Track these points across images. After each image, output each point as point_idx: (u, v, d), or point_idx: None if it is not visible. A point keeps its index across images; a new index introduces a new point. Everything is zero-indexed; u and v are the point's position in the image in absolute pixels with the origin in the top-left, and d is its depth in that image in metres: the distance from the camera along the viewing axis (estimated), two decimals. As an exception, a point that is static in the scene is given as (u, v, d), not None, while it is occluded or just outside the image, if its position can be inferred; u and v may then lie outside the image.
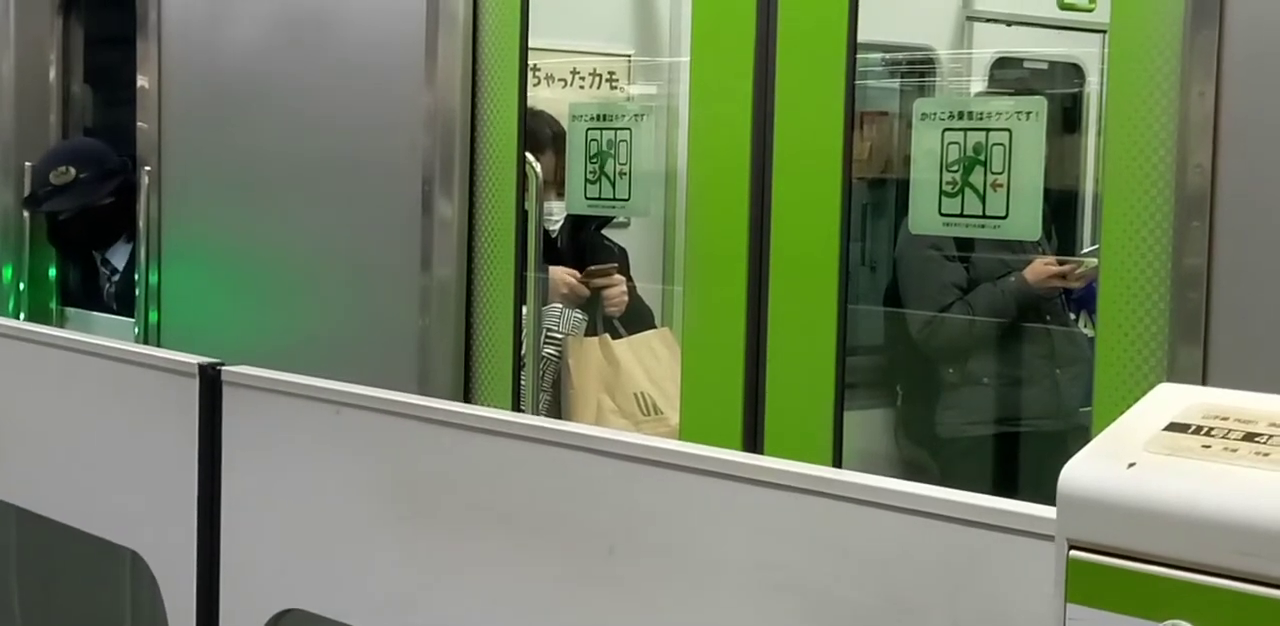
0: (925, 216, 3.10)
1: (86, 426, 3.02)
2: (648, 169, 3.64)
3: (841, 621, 1.80)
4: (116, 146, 5.47)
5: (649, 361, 4.61)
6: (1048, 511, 1.53)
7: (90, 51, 5.67)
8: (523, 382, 3.96)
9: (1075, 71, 6.36)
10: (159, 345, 4.88)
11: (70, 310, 5.58)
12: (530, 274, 3.88)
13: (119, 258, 5.43)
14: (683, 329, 3.44)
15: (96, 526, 3.02)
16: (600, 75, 5.27)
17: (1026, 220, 2.98)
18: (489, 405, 3.85)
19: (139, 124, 5.04)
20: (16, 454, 3.21)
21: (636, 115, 3.64)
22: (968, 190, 2.97)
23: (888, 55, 5.60)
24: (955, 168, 2.98)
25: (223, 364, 2.66)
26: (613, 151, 3.66)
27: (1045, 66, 6.36)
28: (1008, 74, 6.07)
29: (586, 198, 3.78)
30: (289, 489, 2.54)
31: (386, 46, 4.11)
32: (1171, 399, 1.53)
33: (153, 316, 4.95)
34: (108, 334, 4.96)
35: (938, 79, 5.99)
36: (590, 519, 2.09)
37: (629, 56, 5.38)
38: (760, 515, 1.89)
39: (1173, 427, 1.48)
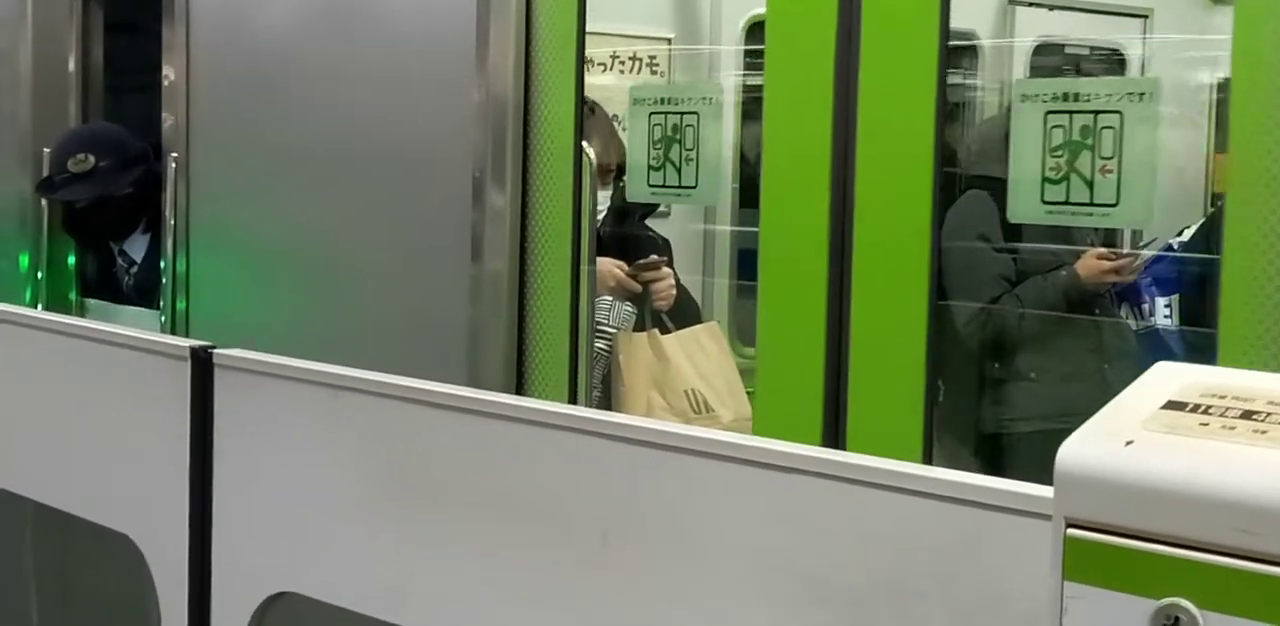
0: (1026, 205, 2.94)
1: (77, 410, 2.98)
2: (716, 155, 3.47)
3: (839, 602, 1.80)
4: (136, 133, 5.30)
5: (698, 356, 4.46)
6: (1045, 490, 1.52)
7: (111, 35, 5.50)
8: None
9: (1116, 56, 6.24)
10: (186, 334, 4.72)
11: (90, 302, 5.41)
12: (583, 266, 3.73)
13: (137, 249, 5.26)
14: (760, 326, 3.28)
15: (87, 510, 2.99)
16: (640, 60, 5.12)
17: (1139, 207, 2.82)
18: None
19: (164, 111, 4.87)
20: (5, 438, 3.16)
21: (704, 99, 3.47)
22: (1074, 176, 2.81)
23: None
24: (1060, 153, 2.82)
25: (215, 346, 2.63)
26: (678, 137, 3.50)
27: (1087, 52, 6.22)
28: (1049, 60, 5.93)
29: (650, 185, 3.61)
30: (282, 472, 2.53)
31: (433, 31, 3.95)
32: (1169, 377, 1.52)
33: (180, 308, 4.78)
34: (132, 325, 4.79)
35: (979, 66, 5.85)
36: (587, 502, 2.08)
37: (669, 40, 5.22)
38: (756, 497, 1.88)
39: (1170, 406, 1.46)
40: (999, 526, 1.66)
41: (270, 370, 2.55)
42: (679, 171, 3.51)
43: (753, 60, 5.27)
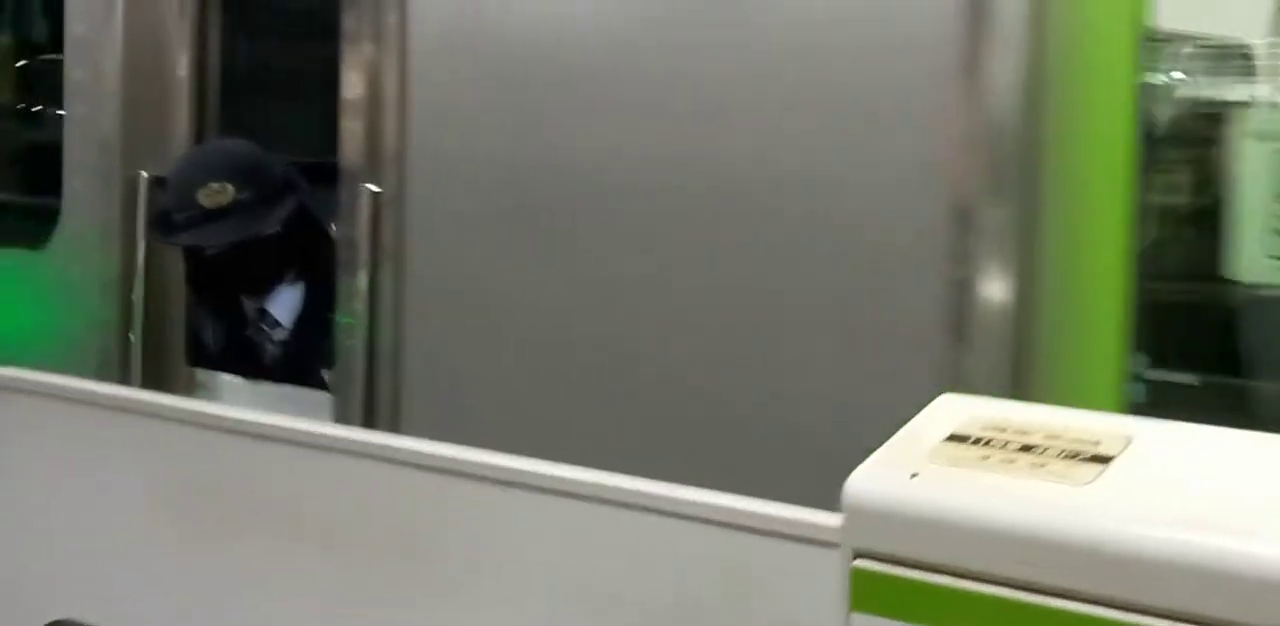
0: None
1: None
2: None
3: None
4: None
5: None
6: (835, 520, 1.55)
7: (238, 19, 4.23)
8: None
9: None
10: (394, 430, 3.50)
11: (208, 375, 4.11)
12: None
13: (282, 306, 3.99)
14: None
15: None
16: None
17: None
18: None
19: (346, 122, 3.65)
20: None
21: None
22: None
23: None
24: None
25: None
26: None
27: None
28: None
29: (1272, 257, 2.50)
30: (60, 496, 2.47)
31: (875, 23, 2.80)
32: (954, 409, 1.61)
33: (383, 391, 3.56)
34: (286, 411, 3.60)
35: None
36: (384, 528, 2.06)
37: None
38: (557, 524, 1.92)
39: (954, 439, 1.54)
40: (791, 554, 1.70)
41: (48, 390, 2.51)
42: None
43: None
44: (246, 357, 4.02)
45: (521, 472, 1.98)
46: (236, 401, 3.96)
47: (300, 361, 3.91)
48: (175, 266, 4.15)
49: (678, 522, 1.82)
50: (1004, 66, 2.66)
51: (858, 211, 2.79)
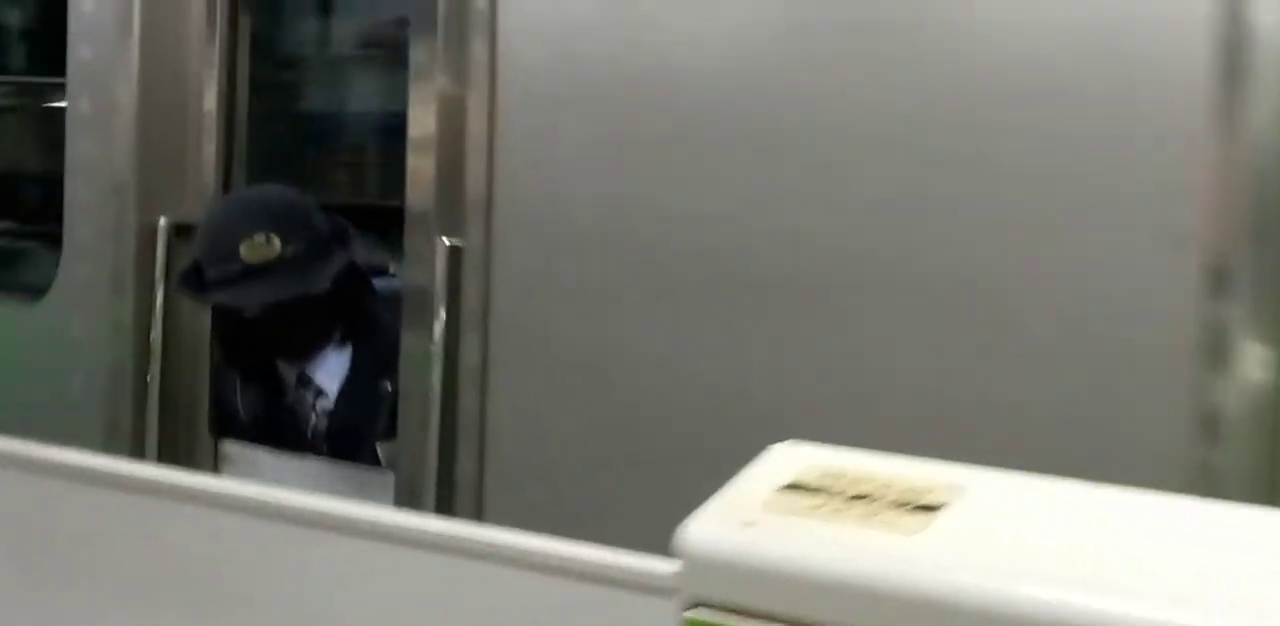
0: None
1: None
2: None
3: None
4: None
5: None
6: (671, 567, 1.53)
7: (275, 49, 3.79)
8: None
9: None
10: (478, 518, 3.09)
11: (240, 449, 3.64)
12: None
13: (328, 372, 3.53)
14: None
15: None
16: None
17: None
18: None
19: (414, 166, 3.23)
20: None
21: None
22: None
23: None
24: None
25: None
26: None
27: None
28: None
29: None
30: None
31: (1098, 57, 2.43)
32: (792, 457, 1.56)
33: (463, 471, 3.14)
34: (336, 491, 3.21)
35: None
36: (217, 578, 2.02)
37: None
38: (389, 573, 1.87)
39: (790, 487, 1.51)
40: (628, 602, 1.68)
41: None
42: None
43: None
44: (284, 429, 3.55)
45: (361, 522, 1.91)
46: (274, 478, 3.50)
47: (349, 434, 3.46)
48: (193, 319, 3.69)
49: (506, 569, 1.78)
50: (1263, 115, 2.31)
51: (1090, 284, 2.41)
